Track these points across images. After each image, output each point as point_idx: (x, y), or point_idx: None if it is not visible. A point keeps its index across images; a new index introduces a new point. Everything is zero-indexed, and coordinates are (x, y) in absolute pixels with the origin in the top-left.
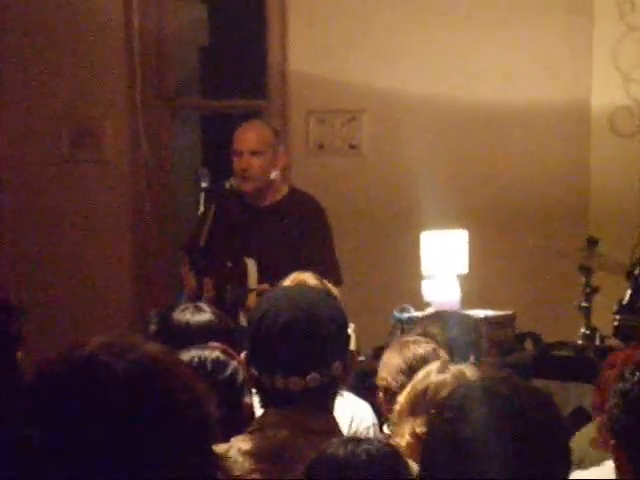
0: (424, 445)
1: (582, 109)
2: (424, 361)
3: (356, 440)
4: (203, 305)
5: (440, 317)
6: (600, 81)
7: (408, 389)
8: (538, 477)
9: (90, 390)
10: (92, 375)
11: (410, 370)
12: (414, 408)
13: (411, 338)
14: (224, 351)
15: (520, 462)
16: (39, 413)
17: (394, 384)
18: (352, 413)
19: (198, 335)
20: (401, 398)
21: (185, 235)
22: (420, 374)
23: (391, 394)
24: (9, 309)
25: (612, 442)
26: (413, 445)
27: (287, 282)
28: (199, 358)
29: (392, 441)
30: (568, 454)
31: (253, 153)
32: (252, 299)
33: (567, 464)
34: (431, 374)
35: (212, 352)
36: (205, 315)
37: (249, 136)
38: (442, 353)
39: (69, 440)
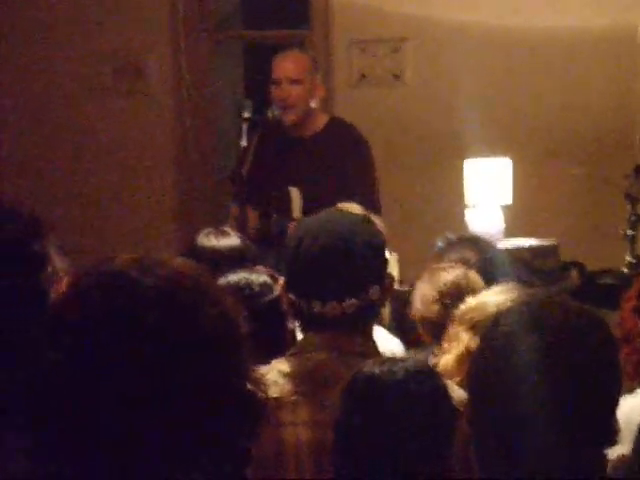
0: (473, 366)
1: (630, 35)
2: (455, 287)
3: (393, 359)
4: (227, 229)
5: (473, 241)
6: None
7: (473, 304)
8: (593, 400)
9: (118, 305)
10: (120, 290)
11: (442, 297)
12: (474, 325)
13: (440, 265)
14: (271, 275)
15: (574, 385)
16: (65, 329)
17: (428, 315)
18: (381, 348)
19: (223, 259)
20: (460, 312)
21: (228, 166)
22: (486, 294)
23: (428, 324)
24: (35, 225)
25: None
26: (463, 358)
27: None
28: (246, 280)
29: (434, 361)
30: (620, 375)
31: (291, 81)
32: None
33: (619, 385)
34: (496, 296)
35: (259, 275)
36: (230, 239)
37: (287, 64)
38: (472, 274)
39: (96, 357)
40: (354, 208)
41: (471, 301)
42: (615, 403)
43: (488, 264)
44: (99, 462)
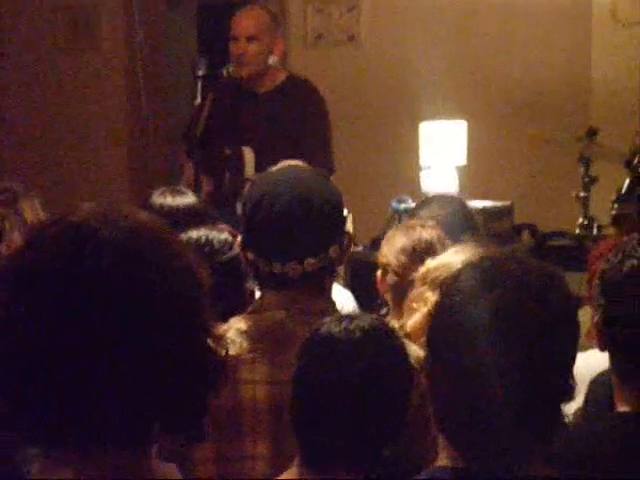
0: (433, 321)
1: (585, 1)
2: (429, 246)
3: (349, 317)
4: (182, 188)
5: (436, 199)
6: None
7: (437, 263)
8: (551, 356)
9: (79, 256)
10: (82, 241)
11: (413, 252)
12: (440, 284)
13: (419, 222)
14: (231, 233)
15: (532, 341)
16: (24, 279)
17: (394, 262)
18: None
19: (176, 218)
20: (424, 271)
21: (181, 124)
22: (448, 254)
23: (391, 273)
24: None
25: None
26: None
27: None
28: (207, 237)
29: (395, 322)
30: (578, 332)
31: (249, 38)
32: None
33: (576, 342)
34: (458, 255)
35: (220, 233)
36: (185, 198)
37: (245, 22)
38: (446, 241)
39: (55, 307)
40: (300, 165)
41: (434, 261)
42: (572, 359)
43: (456, 219)
44: (56, 412)
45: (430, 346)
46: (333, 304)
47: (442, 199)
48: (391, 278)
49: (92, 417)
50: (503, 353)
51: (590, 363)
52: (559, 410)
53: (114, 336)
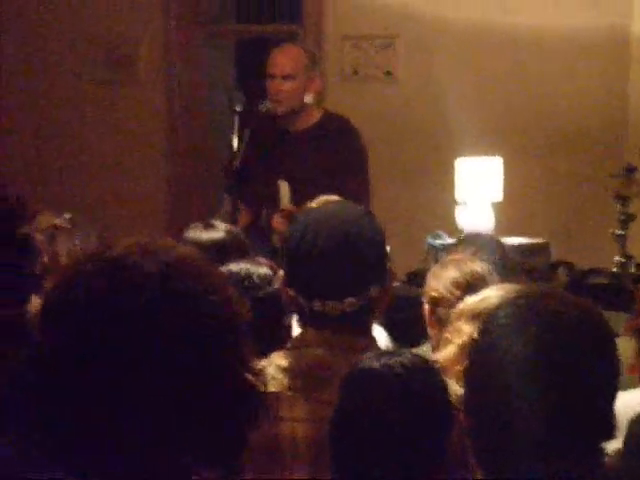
0: (470, 357)
1: (622, 34)
2: (482, 278)
3: (389, 353)
4: (216, 222)
5: (472, 238)
6: None
7: (476, 298)
8: (589, 392)
9: (120, 290)
10: (122, 275)
11: (467, 284)
12: (476, 316)
13: (466, 256)
14: (271, 267)
15: (570, 377)
16: (63, 314)
17: (448, 295)
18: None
19: (211, 253)
20: (462, 305)
21: (219, 158)
22: (488, 290)
23: (443, 307)
24: (21, 208)
25: None
26: (465, 348)
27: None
28: (247, 271)
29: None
30: (618, 368)
31: (285, 77)
32: (276, 220)
33: (617, 379)
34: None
35: (260, 267)
36: (218, 233)
37: (282, 60)
38: (494, 274)
39: (95, 343)
40: (343, 201)
41: (471, 297)
42: (612, 396)
43: (494, 258)
44: (94, 445)
45: (468, 382)
46: (374, 341)
47: (479, 238)
48: (443, 312)
49: (130, 453)
50: (540, 389)
51: (630, 402)
52: (598, 448)
53: (153, 369)
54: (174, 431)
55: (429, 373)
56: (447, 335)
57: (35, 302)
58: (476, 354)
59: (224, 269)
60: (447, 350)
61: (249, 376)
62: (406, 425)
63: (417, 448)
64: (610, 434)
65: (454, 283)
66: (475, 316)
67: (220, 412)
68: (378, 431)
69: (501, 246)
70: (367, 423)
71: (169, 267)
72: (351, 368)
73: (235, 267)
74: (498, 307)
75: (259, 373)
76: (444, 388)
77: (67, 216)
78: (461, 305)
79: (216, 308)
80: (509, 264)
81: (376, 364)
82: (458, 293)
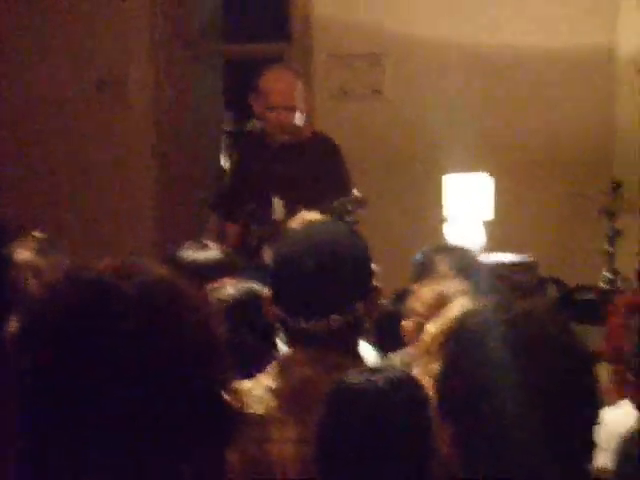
0: (441, 375)
1: (608, 52)
2: (460, 296)
3: (373, 369)
4: (209, 242)
5: (454, 252)
6: (627, 23)
7: (440, 321)
8: (567, 416)
9: (97, 312)
10: (100, 297)
11: (444, 301)
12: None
13: (447, 274)
14: (257, 289)
15: (546, 393)
16: (39, 336)
17: (426, 312)
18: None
19: (203, 272)
20: (431, 329)
21: (208, 178)
22: (453, 307)
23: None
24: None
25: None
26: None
27: (294, 223)
28: (239, 291)
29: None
30: (596, 391)
31: (288, 108)
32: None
33: (596, 401)
34: (462, 306)
35: (250, 287)
36: (209, 252)
37: (283, 90)
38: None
39: (70, 365)
40: (316, 217)
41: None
42: (590, 419)
43: (469, 276)
44: (70, 463)
45: (443, 397)
46: (361, 360)
47: (450, 250)
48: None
49: (102, 473)
50: (516, 411)
51: (619, 418)
52: (583, 469)
53: (130, 390)
54: (150, 450)
55: (411, 386)
56: (427, 361)
57: (13, 323)
58: (448, 364)
59: (223, 292)
60: (432, 367)
61: (227, 396)
62: (390, 440)
63: (401, 461)
64: (590, 455)
65: (433, 299)
66: (447, 332)
67: (197, 432)
68: (362, 447)
69: (472, 256)
70: (351, 439)
71: (146, 288)
72: (335, 385)
73: (231, 290)
74: (466, 319)
75: (237, 393)
76: (427, 400)
77: (38, 235)
78: (435, 322)
79: (194, 328)
80: (480, 274)
81: (359, 380)
82: (435, 310)
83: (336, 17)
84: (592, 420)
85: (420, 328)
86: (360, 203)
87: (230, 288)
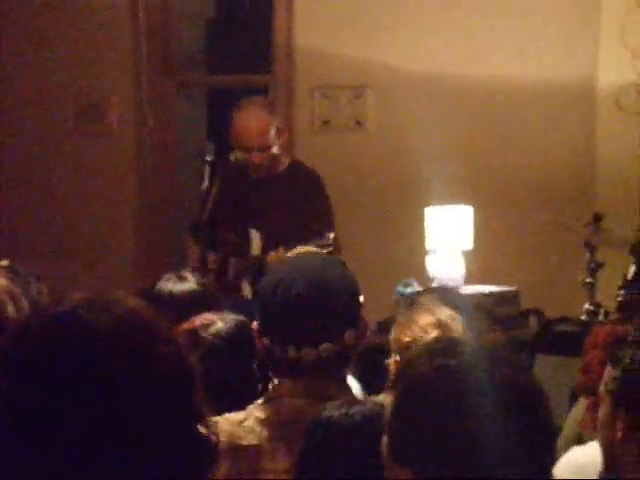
0: (394, 407)
1: (588, 85)
2: (451, 323)
3: (349, 403)
4: (187, 274)
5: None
6: (607, 57)
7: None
8: (521, 453)
9: (66, 346)
10: (69, 331)
11: (440, 327)
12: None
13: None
14: (242, 321)
15: (501, 425)
16: (11, 368)
17: (422, 337)
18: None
19: (182, 304)
20: (391, 363)
21: (188, 209)
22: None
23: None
24: None
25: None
26: None
27: (273, 258)
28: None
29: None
30: (552, 433)
31: (260, 149)
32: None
33: (551, 446)
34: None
35: (235, 320)
36: (188, 284)
37: (254, 132)
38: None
39: (41, 397)
40: (311, 251)
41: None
42: (545, 460)
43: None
44: None
45: (392, 440)
46: (349, 390)
47: (442, 290)
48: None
49: None
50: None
51: (590, 455)
52: None
53: (101, 425)
54: None
55: None
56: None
57: None
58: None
59: (217, 326)
60: None
61: (201, 428)
62: (365, 472)
63: None
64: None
65: (429, 325)
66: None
67: (173, 465)
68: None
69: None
70: (328, 472)
71: (118, 321)
72: (313, 419)
73: (221, 324)
74: (411, 365)
75: (212, 425)
76: None
77: (4, 263)
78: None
79: (164, 360)
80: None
81: (335, 414)
82: (434, 334)
83: (318, 49)
84: (547, 461)
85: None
86: (332, 248)
87: (219, 323)
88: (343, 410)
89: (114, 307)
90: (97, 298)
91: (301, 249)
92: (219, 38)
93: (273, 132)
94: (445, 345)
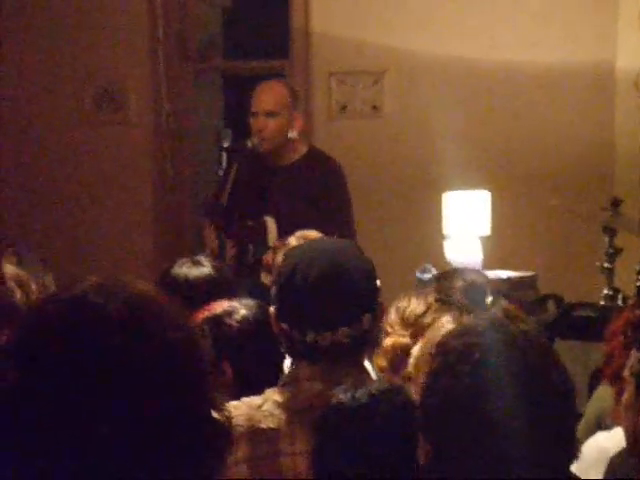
0: (425, 389)
1: (607, 69)
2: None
3: (355, 386)
4: (202, 259)
5: (456, 274)
6: (626, 41)
7: (423, 342)
8: (547, 424)
9: (78, 331)
10: (81, 316)
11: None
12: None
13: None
14: (260, 305)
15: (528, 409)
16: (22, 352)
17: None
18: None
19: (197, 289)
20: (415, 352)
21: (206, 195)
22: (435, 326)
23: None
24: None
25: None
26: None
27: (293, 240)
28: (244, 310)
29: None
30: (575, 417)
31: (268, 114)
32: (269, 256)
33: (569, 400)
34: (445, 325)
35: (252, 305)
36: (203, 269)
37: (264, 97)
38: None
39: (55, 386)
40: (315, 235)
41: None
42: (570, 418)
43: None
44: None
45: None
46: (368, 374)
47: (463, 272)
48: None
49: None
50: (496, 415)
51: (615, 440)
52: (566, 473)
53: (116, 408)
54: (138, 469)
55: (397, 394)
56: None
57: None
58: (433, 380)
59: (243, 313)
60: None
61: (214, 412)
62: (380, 451)
63: (386, 471)
64: (574, 455)
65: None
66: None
67: (185, 450)
68: (354, 463)
69: (484, 277)
70: (342, 456)
71: (129, 306)
72: (324, 406)
73: (243, 311)
74: (453, 334)
75: (224, 409)
76: (411, 406)
77: (11, 250)
78: (415, 352)
79: (177, 345)
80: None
81: (343, 399)
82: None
83: (335, 34)
84: (572, 452)
85: (399, 346)
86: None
87: (242, 309)
88: (349, 394)
89: (123, 291)
90: (107, 282)
91: (302, 234)
92: (236, 24)
93: (285, 102)
94: (476, 325)
